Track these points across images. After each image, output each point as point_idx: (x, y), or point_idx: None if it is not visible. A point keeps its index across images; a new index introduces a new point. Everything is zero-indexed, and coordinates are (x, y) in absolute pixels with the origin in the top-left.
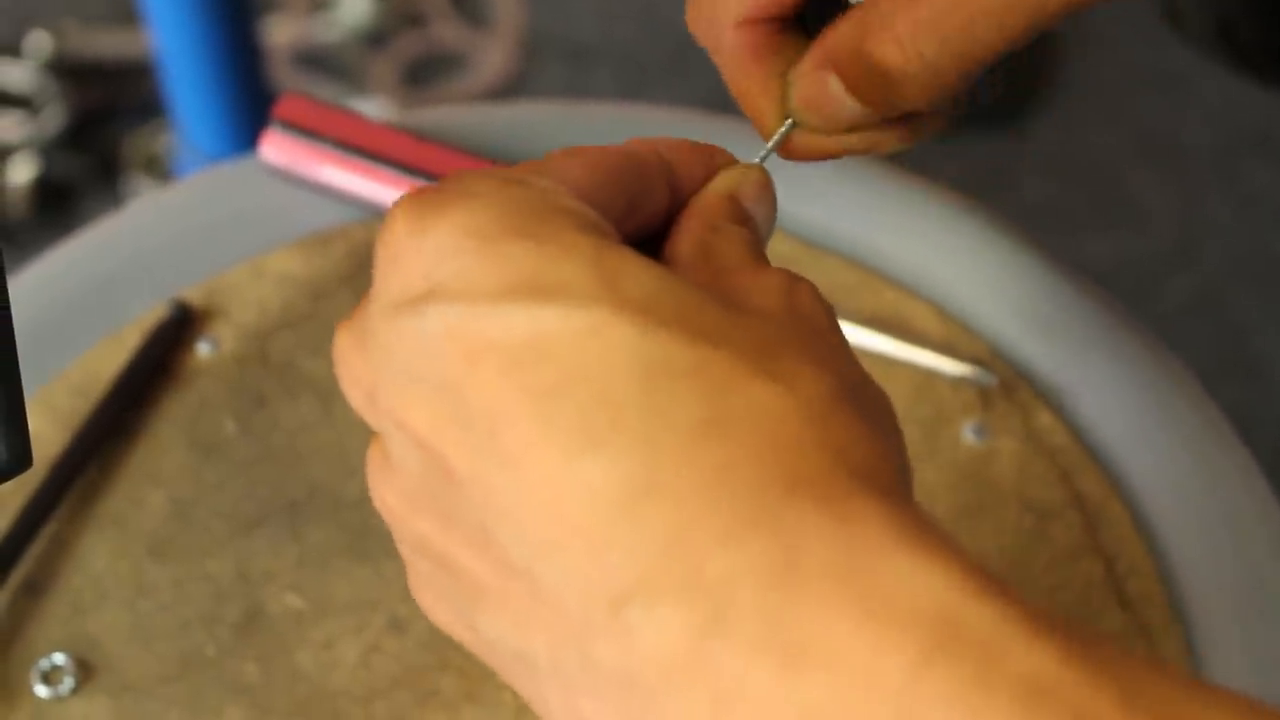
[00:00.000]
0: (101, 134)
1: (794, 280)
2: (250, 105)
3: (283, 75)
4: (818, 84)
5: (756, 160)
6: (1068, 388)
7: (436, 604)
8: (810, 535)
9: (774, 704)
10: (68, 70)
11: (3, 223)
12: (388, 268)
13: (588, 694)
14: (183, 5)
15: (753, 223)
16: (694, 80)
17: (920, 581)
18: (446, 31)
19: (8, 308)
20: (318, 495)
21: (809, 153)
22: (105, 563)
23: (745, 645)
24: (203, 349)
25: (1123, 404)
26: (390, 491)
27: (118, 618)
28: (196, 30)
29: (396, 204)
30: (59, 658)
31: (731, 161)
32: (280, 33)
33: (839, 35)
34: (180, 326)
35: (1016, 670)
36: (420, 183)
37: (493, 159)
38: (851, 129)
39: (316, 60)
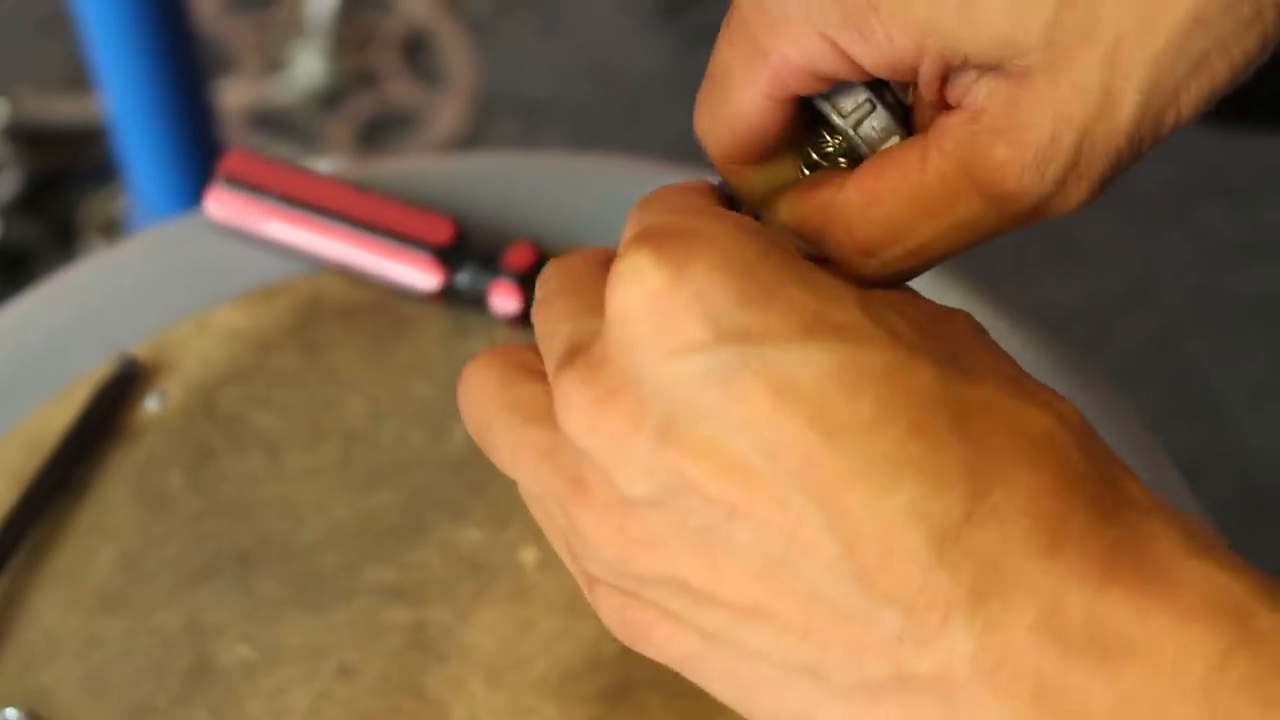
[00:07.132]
0: (58, 198)
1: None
2: (204, 165)
3: (238, 137)
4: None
5: None
6: None
7: (670, 637)
8: (1121, 550)
9: (1092, 695)
10: (23, 135)
11: None
12: (656, 316)
13: (895, 703)
14: (132, 68)
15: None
16: (645, 136)
17: (1219, 585)
18: (400, 91)
19: None
20: (266, 546)
21: None
22: (56, 616)
23: (1071, 642)
24: (150, 403)
25: None
26: (620, 533)
27: (69, 670)
28: (146, 92)
29: (639, 251)
30: (11, 713)
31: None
32: (235, 95)
33: (805, 212)
34: (128, 382)
35: None
36: (370, 237)
37: (438, 210)
38: None
39: (271, 121)
